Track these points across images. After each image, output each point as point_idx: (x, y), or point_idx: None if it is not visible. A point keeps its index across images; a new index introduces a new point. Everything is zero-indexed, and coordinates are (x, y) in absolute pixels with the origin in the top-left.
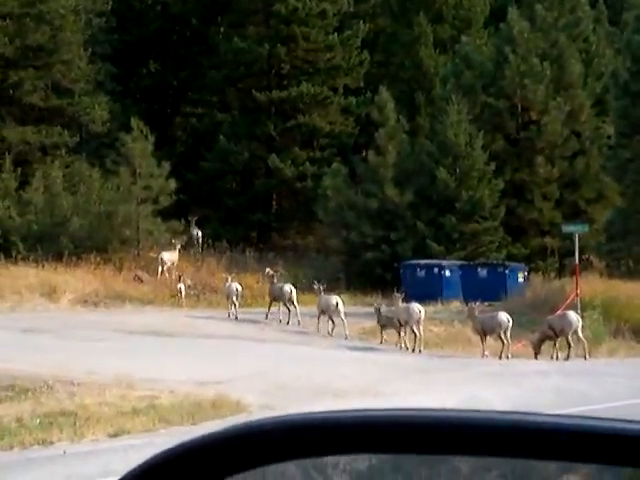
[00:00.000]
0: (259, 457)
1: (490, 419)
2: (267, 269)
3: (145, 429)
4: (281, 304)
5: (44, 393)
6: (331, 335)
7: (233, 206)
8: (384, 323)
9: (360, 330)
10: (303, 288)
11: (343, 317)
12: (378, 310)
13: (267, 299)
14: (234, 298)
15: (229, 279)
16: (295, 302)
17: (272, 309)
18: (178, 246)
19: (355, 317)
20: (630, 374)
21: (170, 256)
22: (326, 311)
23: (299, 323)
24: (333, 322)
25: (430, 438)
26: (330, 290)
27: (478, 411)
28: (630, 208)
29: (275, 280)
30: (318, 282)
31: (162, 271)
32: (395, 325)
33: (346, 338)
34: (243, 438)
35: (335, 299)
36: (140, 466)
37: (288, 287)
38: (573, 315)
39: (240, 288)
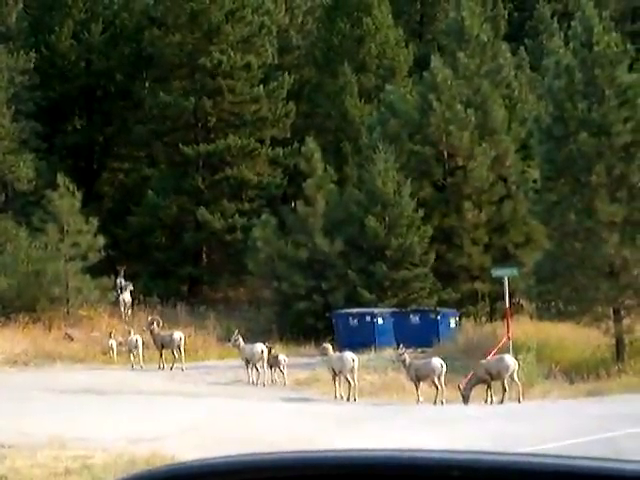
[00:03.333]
0: None
1: (388, 457)
2: (149, 317)
3: None
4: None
5: None
6: (263, 385)
7: (163, 260)
8: (271, 364)
9: (294, 381)
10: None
11: (265, 366)
12: (270, 349)
13: (200, 353)
14: (134, 351)
15: (131, 332)
16: (182, 349)
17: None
18: (130, 287)
19: (289, 368)
20: (563, 415)
21: (128, 296)
22: (251, 360)
23: (182, 370)
24: (258, 371)
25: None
26: (264, 341)
27: (377, 450)
28: (558, 251)
29: (157, 329)
30: (236, 333)
31: (127, 312)
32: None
33: (264, 385)
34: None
35: (260, 347)
36: None
37: (177, 335)
38: (510, 358)
39: (140, 340)
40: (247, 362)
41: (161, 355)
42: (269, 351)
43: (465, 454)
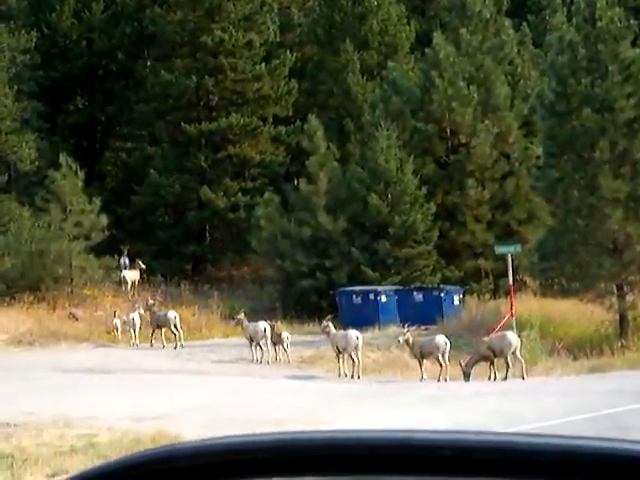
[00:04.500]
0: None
1: (378, 438)
2: (148, 298)
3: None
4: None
5: None
6: (267, 363)
7: (166, 239)
8: (275, 342)
9: (298, 358)
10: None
11: (269, 344)
12: (273, 327)
13: (204, 331)
14: (131, 329)
15: (135, 310)
16: (179, 328)
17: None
18: (141, 265)
19: (293, 346)
20: (566, 392)
21: (132, 274)
22: (254, 338)
23: (182, 347)
24: (262, 349)
25: (311, 460)
26: (268, 319)
27: (367, 430)
28: (561, 227)
29: (155, 309)
30: (240, 311)
31: (128, 290)
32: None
33: (268, 363)
34: (155, 462)
35: (263, 325)
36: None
37: (172, 314)
38: (512, 335)
39: (138, 319)
40: (251, 340)
41: (160, 334)
42: (272, 329)
43: (456, 434)
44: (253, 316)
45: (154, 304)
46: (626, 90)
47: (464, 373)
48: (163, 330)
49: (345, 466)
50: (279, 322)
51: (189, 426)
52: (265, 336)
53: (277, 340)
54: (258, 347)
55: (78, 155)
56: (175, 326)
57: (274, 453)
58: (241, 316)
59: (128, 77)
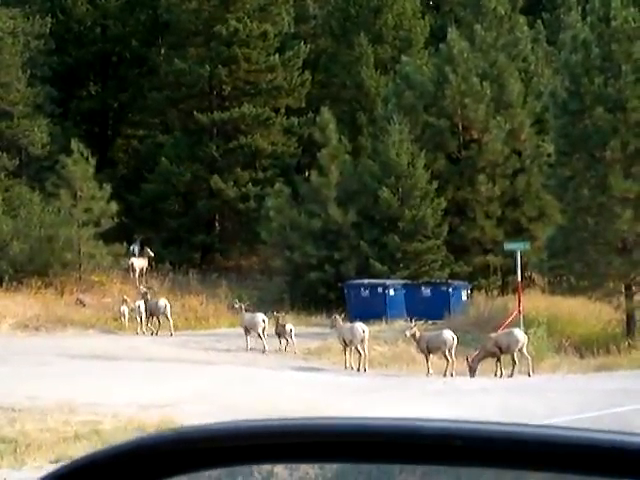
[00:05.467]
0: (185, 464)
1: (388, 426)
2: (141, 287)
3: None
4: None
5: None
6: (263, 352)
7: (176, 228)
8: (279, 333)
9: (305, 350)
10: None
11: (265, 335)
12: (277, 319)
13: (211, 320)
14: (137, 317)
15: (145, 297)
16: (169, 316)
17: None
18: (150, 253)
19: (300, 337)
20: (572, 390)
21: (140, 262)
22: (251, 329)
23: (171, 334)
24: (261, 339)
25: (325, 445)
26: (275, 311)
27: (377, 418)
28: (571, 225)
29: (149, 297)
30: (239, 301)
31: (136, 277)
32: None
33: (264, 352)
34: (172, 444)
35: (260, 316)
36: (66, 466)
37: (163, 302)
38: (519, 332)
39: (144, 306)
40: (246, 330)
41: (147, 322)
42: (277, 320)
43: (467, 424)
44: (261, 306)
45: (147, 292)
46: (639, 90)
47: (470, 369)
48: (155, 318)
49: (352, 453)
50: (283, 314)
51: (195, 415)
52: (264, 327)
53: (281, 331)
54: (259, 337)
55: (90, 141)
56: (165, 314)
57: (287, 437)
58: (237, 306)
59: (142, 64)
